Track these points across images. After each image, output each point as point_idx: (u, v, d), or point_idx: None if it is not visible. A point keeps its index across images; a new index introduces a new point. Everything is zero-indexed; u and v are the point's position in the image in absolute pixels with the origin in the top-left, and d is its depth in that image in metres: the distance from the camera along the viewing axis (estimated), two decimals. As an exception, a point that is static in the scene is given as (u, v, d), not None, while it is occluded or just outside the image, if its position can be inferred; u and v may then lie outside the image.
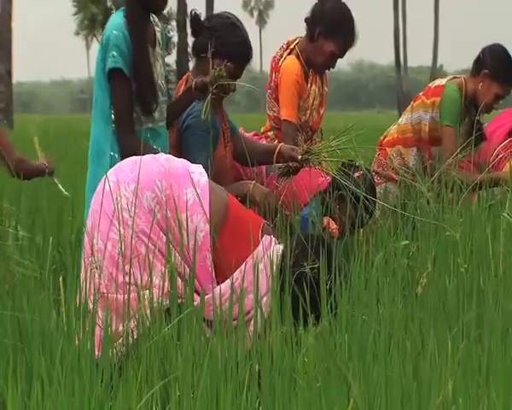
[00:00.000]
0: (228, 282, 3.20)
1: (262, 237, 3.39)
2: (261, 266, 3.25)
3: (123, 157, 3.94)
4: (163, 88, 4.17)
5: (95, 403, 2.58)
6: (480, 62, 5.21)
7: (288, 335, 2.90)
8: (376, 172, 5.36)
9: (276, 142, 5.03)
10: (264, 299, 3.23)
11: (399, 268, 3.57)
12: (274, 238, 3.43)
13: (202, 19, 4.50)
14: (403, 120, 5.42)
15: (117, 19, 4.08)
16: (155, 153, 3.63)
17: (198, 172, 3.37)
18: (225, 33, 4.40)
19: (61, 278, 3.32)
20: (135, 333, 3.05)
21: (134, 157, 3.43)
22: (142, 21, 4.08)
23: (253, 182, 4.30)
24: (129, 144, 3.97)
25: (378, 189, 5.17)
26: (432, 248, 3.81)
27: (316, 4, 5.13)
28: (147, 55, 4.08)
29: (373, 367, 2.70)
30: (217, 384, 2.68)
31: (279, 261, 3.33)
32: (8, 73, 27.35)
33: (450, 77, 5.31)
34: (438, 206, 4.19)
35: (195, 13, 4.49)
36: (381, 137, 5.57)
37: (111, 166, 3.95)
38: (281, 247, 3.39)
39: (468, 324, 3.18)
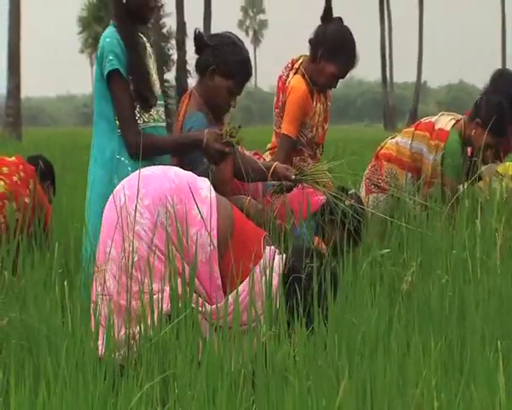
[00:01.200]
0: (233, 294, 3.19)
1: (264, 248, 3.40)
2: (263, 280, 3.26)
3: (132, 152, 4.00)
4: (157, 93, 4.20)
5: (98, 400, 2.58)
6: (475, 109, 5.20)
7: (280, 336, 2.90)
8: (370, 180, 5.35)
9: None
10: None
11: (385, 273, 3.58)
12: (276, 249, 3.44)
13: (205, 37, 4.50)
14: (401, 140, 5.37)
15: (108, 30, 4.15)
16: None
17: (206, 187, 3.37)
18: (227, 52, 4.40)
19: (65, 282, 3.32)
20: (139, 337, 3.05)
21: (145, 171, 3.41)
22: (131, 28, 4.14)
23: (249, 198, 4.31)
24: (136, 139, 3.99)
25: (371, 197, 5.19)
26: (417, 255, 3.82)
27: (319, 26, 5.13)
28: (141, 55, 4.12)
29: (361, 366, 2.71)
30: (213, 382, 2.68)
31: (281, 270, 3.34)
32: (17, 88, 27.34)
33: (453, 119, 5.26)
34: (424, 214, 4.20)
35: (199, 31, 4.49)
36: (378, 147, 5.54)
37: (118, 169, 3.98)
38: (283, 257, 3.40)
39: (451, 325, 3.19)
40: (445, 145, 5.13)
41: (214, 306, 3.17)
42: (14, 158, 5.24)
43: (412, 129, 5.39)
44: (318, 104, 5.12)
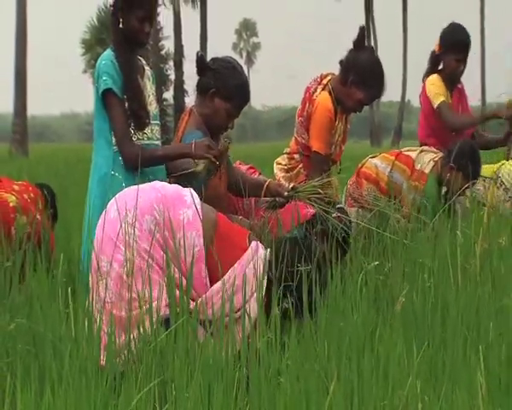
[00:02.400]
0: (220, 282, 3.23)
1: (249, 244, 3.42)
2: (250, 265, 3.29)
3: (128, 165, 4.02)
4: (152, 112, 4.21)
5: (100, 402, 2.58)
6: (448, 154, 5.25)
7: (273, 340, 2.91)
8: (351, 196, 5.36)
9: (300, 166, 5.12)
10: (252, 299, 3.25)
11: (371, 282, 3.59)
12: (260, 244, 3.45)
13: (207, 60, 4.53)
14: (380, 165, 5.37)
15: (106, 53, 4.18)
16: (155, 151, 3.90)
17: (189, 195, 3.40)
18: (227, 76, 4.42)
19: (69, 290, 3.32)
20: (136, 342, 3.05)
21: (133, 187, 3.43)
22: (128, 51, 4.17)
23: (240, 217, 4.35)
24: (133, 152, 4.02)
25: (352, 211, 5.18)
26: (401, 266, 3.83)
27: (351, 51, 5.10)
28: (135, 77, 4.14)
29: (348, 368, 2.71)
30: (209, 384, 2.68)
31: (266, 263, 3.36)
32: (24, 107, 27.34)
33: (432, 161, 5.29)
34: (407, 226, 4.21)
35: (201, 54, 4.51)
36: (359, 165, 5.55)
37: (112, 185, 3.99)
38: (267, 251, 3.42)
39: (433, 330, 3.19)
40: (424, 189, 5.16)
41: (200, 299, 3.18)
42: (22, 182, 5.25)
43: (392, 157, 5.40)
44: (340, 124, 5.12)
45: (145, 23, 4.14)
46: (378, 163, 5.40)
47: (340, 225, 4.23)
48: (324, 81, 5.12)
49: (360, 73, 4.97)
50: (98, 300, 3.18)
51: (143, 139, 4.15)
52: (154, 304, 3.10)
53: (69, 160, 19.08)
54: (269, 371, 2.73)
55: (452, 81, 5.91)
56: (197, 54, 4.50)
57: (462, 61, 5.87)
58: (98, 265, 3.23)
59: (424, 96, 5.92)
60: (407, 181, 5.25)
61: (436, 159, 5.31)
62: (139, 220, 3.25)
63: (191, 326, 2.98)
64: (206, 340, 2.96)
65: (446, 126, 5.74)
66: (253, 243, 3.41)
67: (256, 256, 3.34)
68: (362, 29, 5.04)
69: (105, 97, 4.07)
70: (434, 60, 5.95)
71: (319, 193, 4.35)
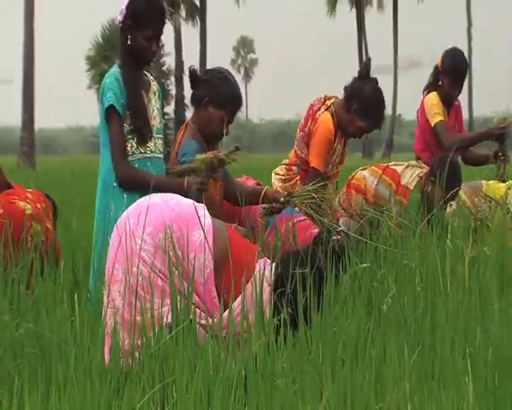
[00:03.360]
0: (236, 302, 3.20)
1: (257, 262, 3.40)
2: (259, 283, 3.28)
3: (121, 185, 4.02)
4: (156, 127, 4.20)
5: (104, 404, 2.57)
6: (430, 169, 5.28)
7: (270, 344, 2.90)
8: (340, 205, 5.37)
9: (297, 177, 5.21)
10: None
11: (364, 287, 3.59)
12: (268, 260, 3.43)
13: (199, 73, 4.54)
14: (369, 177, 5.39)
15: (112, 70, 4.18)
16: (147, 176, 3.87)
17: (202, 214, 3.35)
18: (219, 85, 4.43)
19: (75, 296, 3.32)
20: (144, 346, 3.04)
21: (148, 200, 3.38)
22: (134, 69, 4.16)
23: (234, 225, 4.35)
24: (127, 174, 4.03)
25: (341, 219, 5.20)
26: (393, 271, 3.83)
27: (355, 80, 5.20)
28: (139, 94, 4.13)
29: (342, 371, 2.70)
30: (208, 386, 2.68)
31: (273, 278, 3.34)
32: (31, 120, 27.36)
33: (417, 177, 5.32)
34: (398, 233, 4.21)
35: (193, 68, 4.53)
36: (350, 177, 5.58)
37: (114, 196, 4.01)
38: (273, 266, 3.40)
39: (423, 334, 3.19)
40: (407, 204, 5.18)
41: (212, 320, 3.16)
42: (33, 190, 5.23)
43: (380, 171, 5.42)
44: (338, 146, 5.18)
45: (152, 42, 4.13)
46: (367, 175, 5.43)
47: (334, 226, 4.23)
48: (328, 102, 5.18)
49: (364, 103, 5.05)
50: (111, 303, 3.17)
51: (146, 153, 4.15)
52: (158, 312, 3.09)
53: (75, 171, 19.08)
54: (266, 374, 2.73)
55: (448, 101, 5.94)
56: (189, 68, 4.52)
57: (458, 86, 5.89)
58: (112, 272, 3.22)
59: (422, 112, 5.95)
60: (393, 195, 5.27)
61: (421, 174, 5.34)
62: (153, 237, 3.22)
63: (192, 333, 2.98)
64: (206, 342, 2.95)
65: (442, 146, 5.76)
66: (261, 262, 3.39)
67: (263, 275, 3.30)
68: (368, 60, 5.11)
69: (107, 113, 4.07)
70: (436, 75, 5.98)
71: (314, 198, 4.36)
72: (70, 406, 2.52)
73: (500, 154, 5.71)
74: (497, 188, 5.39)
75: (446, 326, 3.14)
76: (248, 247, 3.51)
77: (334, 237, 4.17)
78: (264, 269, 3.31)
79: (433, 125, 5.83)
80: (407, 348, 2.85)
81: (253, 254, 3.44)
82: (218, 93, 4.41)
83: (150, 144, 4.16)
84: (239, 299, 3.20)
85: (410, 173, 5.36)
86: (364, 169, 5.54)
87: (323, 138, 5.07)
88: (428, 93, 5.97)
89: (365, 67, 5.16)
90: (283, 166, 5.30)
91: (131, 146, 4.12)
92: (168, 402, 2.69)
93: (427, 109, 5.88)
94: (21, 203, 4.75)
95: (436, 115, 5.83)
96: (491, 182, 5.45)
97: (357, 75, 5.23)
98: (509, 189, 5.32)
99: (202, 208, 3.40)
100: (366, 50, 52.65)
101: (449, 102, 5.94)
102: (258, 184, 4.95)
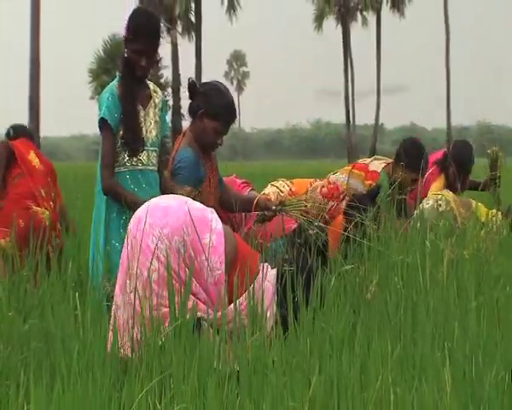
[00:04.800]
0: (241, 298, 3.23)
1: (260, 265, 3.42)
2: (264, 285, 3.31)
3: (103, 192, 4.03)
4: (152, 140, 4.18)
5: (105, 395, 2.57)
6: (397, 156, 5.31)
7: (261, 340, 2.90)
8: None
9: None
10: (268, 313, 3.25)
11: (349, 285, 3.59)
12: (269, 265, 3.45)
13: (197, 85, 4.51)
14: (339, 176, 5.31)
15: (111, 83, 4.16)
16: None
17: (214, 219, 3.36)
18: (214, 97, 4.41)
19: (77, 294, 3.31)
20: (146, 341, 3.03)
21: (162, 203, 3.37)
22: (131, 81, 4.12)
23: (227, 227, 4.36)
24: (109, 185, 4.03)
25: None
26: (376, 270, 3.83)
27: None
28: (133, 108, 4.11)
29: (329, 364, 2.70)
30: (203, 379, 2.67)
31: (274, 281, 3.38)
32: (37, 129, 27.28)
33: (384, 163, 5.35)
34: (382, 235, 4.20)
35: (192, 80, 4.50)
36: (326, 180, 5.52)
37: (108, 200, 4.03)
38: (274, 271, 3.42)
39: (405, 329, 3.19)
40: (376, 183, 5.17)
41: (219, 313, 3.16)
42: (41, 166, 5.25)
43: (349, 168, 5.39)
44: None
45: (142, 57, 4.08)
46: (338, 176, 5.34)
47: (321, 234, 4.22)
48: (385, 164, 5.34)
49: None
50: (125, 296, 3.16)
51: (137, 165, 4.11)
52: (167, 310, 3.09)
53: (78, 176, 19.03)
54: (257, 366, 2.72)
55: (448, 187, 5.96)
56: (188, 80, 4.49)
57: (415, 179, 5.75)
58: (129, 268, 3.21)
59: (425, 188, 5.91)
60: (362, 182, 5.25)
61: (388, 162, 5.36)
62: (169, 239, 3.22)
63: (188, 328, 2.97)
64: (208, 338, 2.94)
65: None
66: (264, 265, 3.41)
67: (266, 278, 3.34)
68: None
69: (100, 125, 4.06)
70: (445, 158, 6.09)
71: (304, 206, 4.36)
72: (73, 397, 2.51)
73: (494, 179, 5.72)
74: (484, 211, 5.41)
75: (426, 322, 3.14)
76: (251, 252, 3.55)
77: (311, 231, 4.17)
78: (267, 271, 3.34)
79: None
80: (390, 343, 2.85)
81: (255, 258, 3.46)
82: (212, 105, 4.39)
83: (143, 157, 4.12)
84: (245, 295, 3.21)
85: (378, 163, 5.37)
86: (335, 173, 5.47)
87: None
88: (435, 170, 6.01)
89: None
90: (288, 184, 5.20)
91: (123, 158, 4.09)
92: (165, 395, 2.68)
93: (430, 191, 5.88)
94: (39, 210, 4.73)
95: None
96: (480, 204, 5.44)
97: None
98: (493, 216, 5.30)
99: (211, 212, 3.41)
100: (351, 64, 52.75)
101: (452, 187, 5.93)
102: (246, 183, 4.96)
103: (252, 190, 5.00)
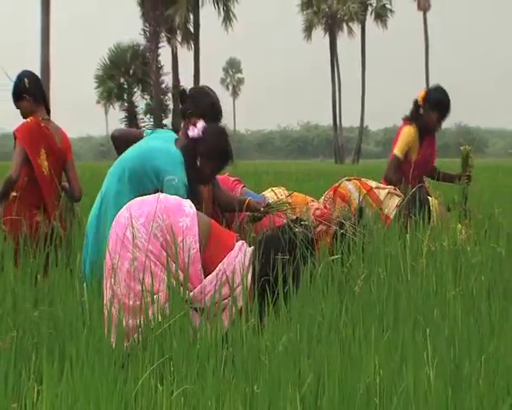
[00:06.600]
0: (214, 273, 3.24)
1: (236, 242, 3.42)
2: (237, 259, 3.31)
3: None
4: None
5: (111, 378, 2.56)
6: (406, 204, 5.09)
7: (255, 325, 2.90)
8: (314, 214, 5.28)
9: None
10: (239, 288, 3.25)
11: (336, 274, 3.58)
12: (245, 243, 3.44)
13: (187, 91, 4.57)
14: (353, 192, 5.12)
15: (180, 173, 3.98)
16: None
17: (188, 205, 3.38)
18: (199, 98, 4.46)
19: (84, 284, 3.30)
20: (142, 328, 3.03)
21: (139, 198, 3.42)
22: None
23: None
24: None
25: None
26: (361, 261, 3.83)
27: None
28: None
29: (318, 348, 2.70)
30: (202, 362, 2.67)
31: (250, 257, 3.36)
32: (47, 130, 27.23)
33: (396, 207, 5.19)
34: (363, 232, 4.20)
35: (183, 88, 4.58)
36: (336, 184, 5.40)
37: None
38: (250, 248, 3.41)
39: (388, 315, 3.19)
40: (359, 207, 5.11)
41: (196, 288, 3.17)
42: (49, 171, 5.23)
43: (364, 191, 5.21)
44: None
45: (213, 177, 4.22)
46: (352, 189, 5.27)
47: (305, 232, 4.21)
48: None
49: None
50: (110, 290, 3.16)
51: None
52: (162, 295, 3.09)
53: (85, 175, 18.96)
54: (251, 351, 2.72)
55: (427, 132, 5.79)
56: (179, 88, 4.58)
57: (442, 120, 5.78)
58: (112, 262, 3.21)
59: (395, 139, 5.83)
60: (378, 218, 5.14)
61: (398, 204, 5.22)
62: (145, 227, 3.23)
63: (187, 313, 2.96)
64: (200, 326, 2.94)
65: (385, 175, 5.67)
66: (239, 242, 3.41)
67: (241, 252, 3.34)
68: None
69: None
70: (416, 108, 5.81)
71: (290, 207, 4.41)
72: (81, 379, 2.50)
73: (464, 176, 5.65)
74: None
75: (408, 309, 3.14)
76: (227, 231, 3.56)
77: (297, 229, 4.15)
78: (242, 246, 3.34)
79: (392, 153, 5.72)
80: (374, 328, 2.85)
81: (231, 236, 3.46)
82: (198, 105, 4.43)
83: None
84: (220, 266, 3.24)
85: (391, 203, 5.25)
86: (349, 180, 5.39)
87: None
88: (406, 124, 5.81)
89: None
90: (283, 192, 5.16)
91: None
92: (165, 379, 2.68)
93: (400, 138, 5.73)
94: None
95: (401, 148, 5.68)
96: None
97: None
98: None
99: (186, 200, 3.42)
100: (338, 71, 52.79)
101: (426, 134, 5.78)
102: (238, 181, 4.95)
103: (243, 187, 4.99)
